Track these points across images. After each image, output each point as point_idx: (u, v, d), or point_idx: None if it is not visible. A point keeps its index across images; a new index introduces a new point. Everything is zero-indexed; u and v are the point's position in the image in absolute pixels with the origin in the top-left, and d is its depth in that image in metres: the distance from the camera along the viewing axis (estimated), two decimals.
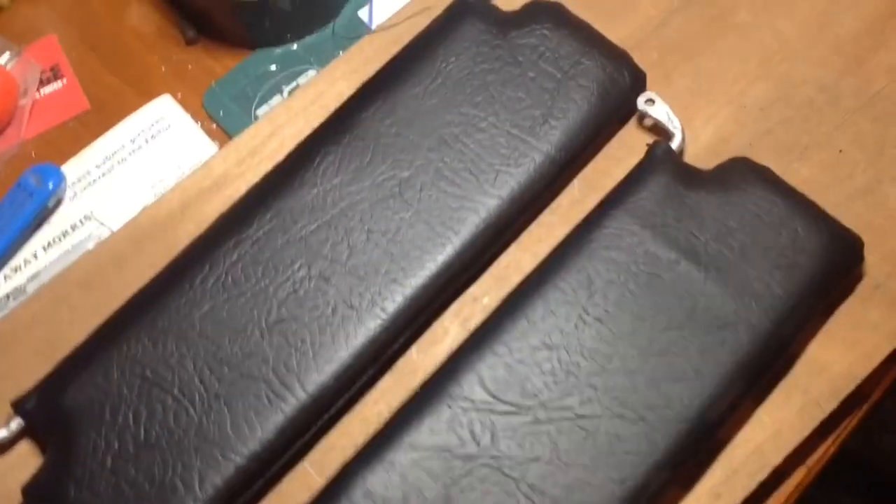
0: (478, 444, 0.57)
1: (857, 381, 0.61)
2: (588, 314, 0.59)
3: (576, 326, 0.59)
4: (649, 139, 0.67)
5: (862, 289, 0.64)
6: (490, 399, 0.58)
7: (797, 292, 0.60)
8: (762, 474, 0.60)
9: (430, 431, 0.57)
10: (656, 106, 0.65)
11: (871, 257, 0.64)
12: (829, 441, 0.64)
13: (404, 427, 0.58)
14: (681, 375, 0.58)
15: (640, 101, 0.65)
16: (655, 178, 0.62)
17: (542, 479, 0.56)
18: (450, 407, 0.58)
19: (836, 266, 0.61)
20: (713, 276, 0.60)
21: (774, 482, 0.62)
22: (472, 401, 0.58)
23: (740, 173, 0.63)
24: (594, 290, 0.60)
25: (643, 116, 0.67)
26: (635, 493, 0.56)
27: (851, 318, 0.63)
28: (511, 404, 0.58)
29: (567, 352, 0.59)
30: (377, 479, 0.56)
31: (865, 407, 0.65)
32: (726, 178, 0.63)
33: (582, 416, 0.57)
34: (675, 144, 0.65)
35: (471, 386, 0.58)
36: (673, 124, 0.65)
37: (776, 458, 0.60)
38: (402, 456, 0.57)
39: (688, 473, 0.59)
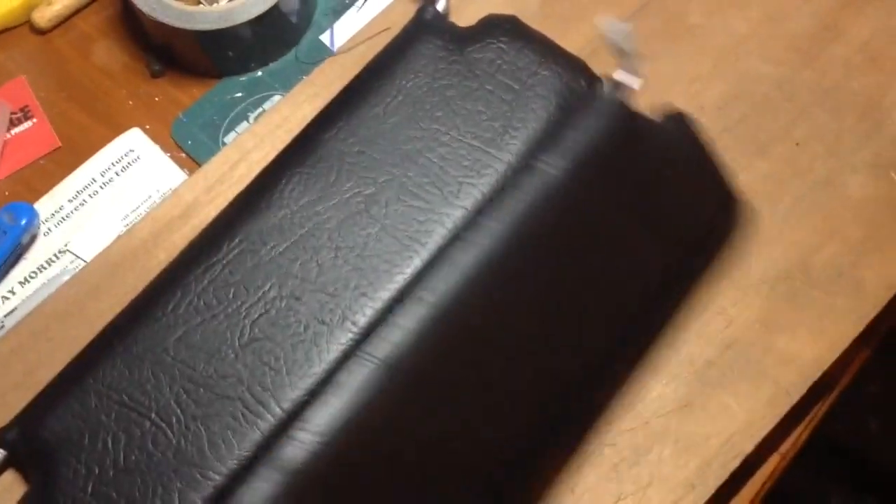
0: None
1: (824, 367, 0.63)
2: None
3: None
4: None
5: (826, 278, 0.65)
6: None
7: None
8: (735, 463, 0.61)
9: None
10: None
11: (834, 247, 0.66)
12: (801, 427, 0.65)
13: None
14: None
15: None
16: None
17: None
18: None
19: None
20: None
21: (749, 470, 0.63)
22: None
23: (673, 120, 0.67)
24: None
25: None
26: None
27: (817, 307, 0.64)
28: None
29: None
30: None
31: (836, 392, 0.66)
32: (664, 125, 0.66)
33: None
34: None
35: None
36: None
37: (748, 447, 0.61)
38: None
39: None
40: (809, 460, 0.73)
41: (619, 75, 0.65)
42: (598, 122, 0.63)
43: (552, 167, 0.62)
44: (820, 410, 0.65)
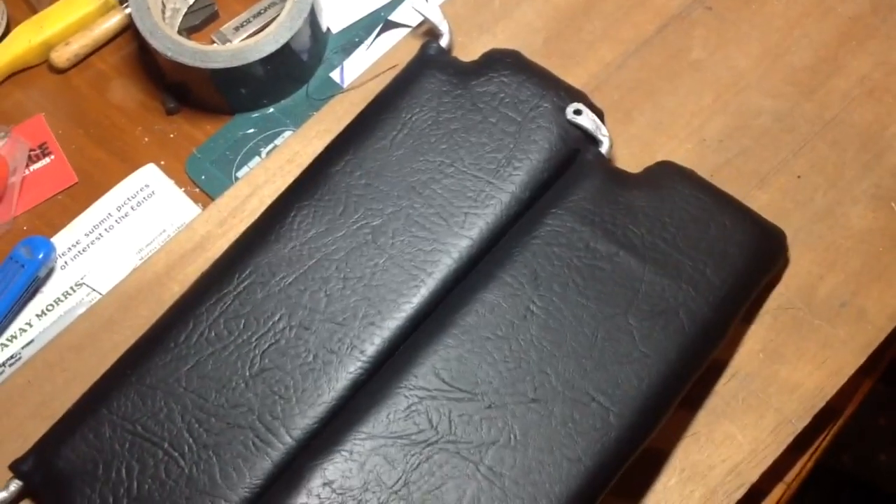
0: (435, 430, 0.59)
1: (827, 397, 0.63)
2: (535, 305, 0.62)
3: (524, 318, 0.61)
4: None
5: (828, 308, 0.66)
6: (445, 387, 0.60)
7: (730, 279, 0.63)
8: (740, 492, 0.61)
9: (388, 420, 0.59)
10: (584, 116, 0.68)
11: (835, 277, 0.67)
12: (806, 457, 0.65)
13: (362, 417, 0.59)
14: (628, 358, 0.60)
15: (569, 112, 0.68)
16: (589, 179, 0.66)
17: (500, 461, 0.58)
18: (406, 396, 0.60)
19: (762, 255, 0.64)
20: (651, 267, 0.63)
21: (754, 499, 0.63)
22: (428, 389, 0.60)
23: (666, 175, 0.66)
24: (539, 283, 0.62)
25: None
26: (592, 470, 0.57)
27: (820, 336, 0.65)
28: (466, 391, 0.60)
29: (517, 341, 0.61)
30: (336, 468, 0.58)
31: (840, 421, 0.66)
32: (655, 179, 0.66)
33: (535, 400, 0.59)
34: (604, 150, 0.68)
35: (425, 375, 0.60)
36: (601, 132, 0.68)
37: (753, 476, 0.62)
38: (360, 445, 0.58)
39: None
40: (817, 491, 0.73)
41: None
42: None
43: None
44: (824, 440, 0.66)
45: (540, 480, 0.57)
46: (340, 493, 0.57)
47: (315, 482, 0.58)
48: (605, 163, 0.68)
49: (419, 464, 0.58)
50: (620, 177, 0.67)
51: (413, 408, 0.59)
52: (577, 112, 0.68)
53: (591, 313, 0.61)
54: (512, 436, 0.58)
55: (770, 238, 0.65)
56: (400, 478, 0.58)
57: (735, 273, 0.63)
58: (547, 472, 0.57)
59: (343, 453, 0.58)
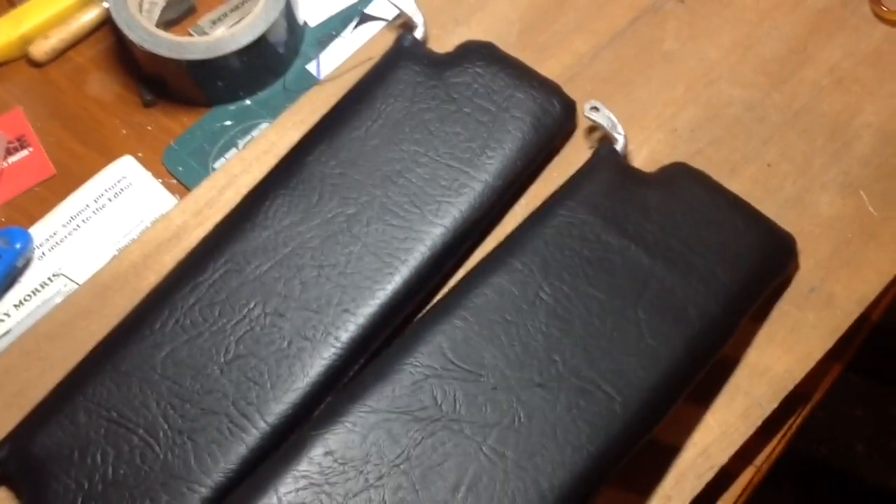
0: (440, 408, 0.59)
1: (796, 380, 0.64)
2: (544, 292, 0.62)
3: (533, 303, 0.62)
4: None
5: (797, 293, 0.67)
6: (451, 366, 0.60)
7: (740, 279, 0.63)
8: (710, 474, 0.62)
9: (392, 395, 0.60)
10: (601, 112, 0.69)
11: (805, 263, 0.67)
12: (775, 441, 0.66)
13: (367, 390, 0.60)
14: (635, 349, 0.61)
15: (586, 109, 0.69)
16: (603, 174, 0.66)
17: (503, 442, 0.58)
18: (411, 373, 0.60)
19: (773, 259, 0.65)
20: (662, 263, 0.63)
21: (723, 482, 0.64)
22: (434, 367, 0.60)
23: (680, 175, 0.67)
24: (549, 271, 0.63)
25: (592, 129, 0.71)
26: (595, 457, 0.58)
27: (789, 321, 0.66)
28: (472, 372, 0.60)
29: (525, 326, 0.61)
30: (338, 439, 0.58)
31: (809, 406, 0.67)
32: (668, 179, 0.67)
33: (541, 385, 0.60)
34: (619, 147, 0.68)
35: (431, 353, 0.61)
36: (617, 130, 0.69)
37: (722, 458, 0.62)
38: (363, 417, 0.59)
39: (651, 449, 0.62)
40: (795, 481, 0.74)
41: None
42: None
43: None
44: (794, 424, 0.66)
45: (542, 464, 0.58)
46: (342, 463, 0.58)
47: (317, 451, 0.58)
48: (620, 160, 0.68)
49: (422, 440, 0.58)
50: (634, 174, 0.67)
51: (418, 384, 0.60)
52: (595, 108, 0.69)
53: (600, 303, 0.62)
54: (516, 418, 0.59)
55: (780, 242, 0.66)
56: (402, 452, 0.58)
57: (745, 274, 0.63)
58: (550, 456, 0.58)
59: (346, 424, 0.59)
